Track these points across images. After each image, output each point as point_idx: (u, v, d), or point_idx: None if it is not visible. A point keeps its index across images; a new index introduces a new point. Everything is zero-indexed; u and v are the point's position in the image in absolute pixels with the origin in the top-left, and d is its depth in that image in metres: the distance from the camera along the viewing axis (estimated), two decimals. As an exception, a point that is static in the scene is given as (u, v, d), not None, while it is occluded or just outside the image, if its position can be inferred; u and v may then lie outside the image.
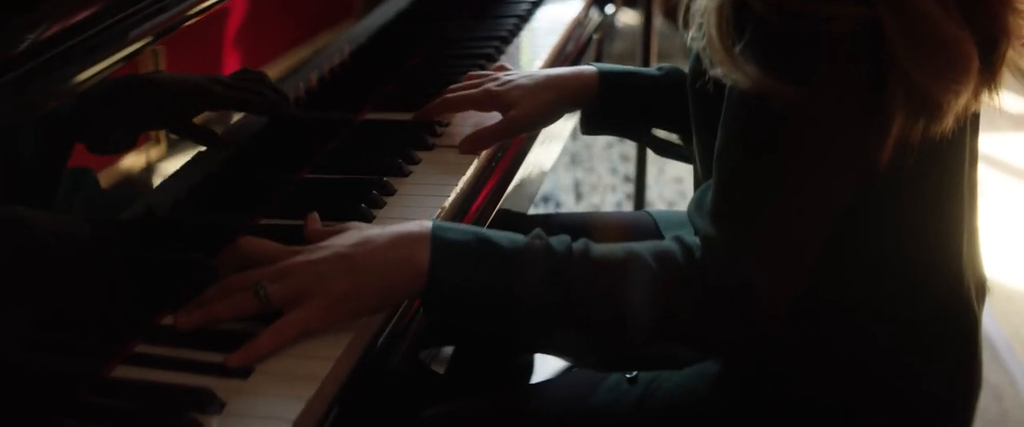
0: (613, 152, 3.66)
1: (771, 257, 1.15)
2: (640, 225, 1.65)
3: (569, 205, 3.36)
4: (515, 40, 1.98)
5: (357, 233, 1.17)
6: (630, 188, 3.44)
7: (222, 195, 1.35)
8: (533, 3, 2.12)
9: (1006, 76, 1.15)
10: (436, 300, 1.14)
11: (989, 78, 1.12)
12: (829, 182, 1.13)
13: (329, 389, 1.06)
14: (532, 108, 1.53)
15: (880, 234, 1.20)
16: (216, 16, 1.34)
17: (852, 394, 1.24)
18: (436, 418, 1.40)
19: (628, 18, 4.06)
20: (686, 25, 1.22)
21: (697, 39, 1.15)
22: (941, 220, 1.23)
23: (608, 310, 1.15)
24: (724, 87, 1.14)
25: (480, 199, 1.46)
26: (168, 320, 1.14)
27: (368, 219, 1.34)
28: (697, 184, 1.37)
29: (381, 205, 1.38)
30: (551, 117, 1.57)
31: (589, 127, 1.61)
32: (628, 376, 1.35)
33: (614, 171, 3.55)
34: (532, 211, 1.79)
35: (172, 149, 1.26)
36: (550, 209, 3.31)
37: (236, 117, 1.38)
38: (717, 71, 1.12)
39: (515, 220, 1.57)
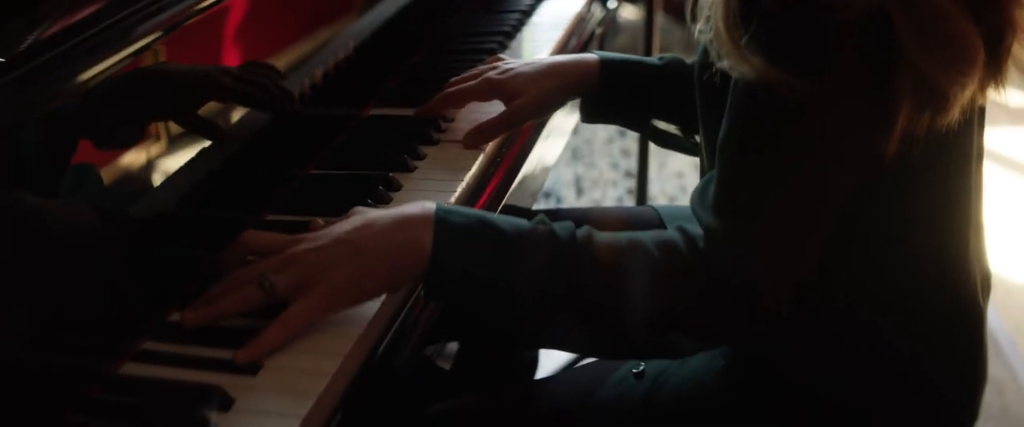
0: (614, 147, 3.66)
1: (773, 250, 1.15)
2: (644, 219, 1.65)
3: (570, 201, 3.35)
4: (518, 35, 1.98)
5: (359, 217, 1.16)
6: (631, 183, 3.44)
7: (227, 191, 1.34)
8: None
9: (1010, 71, 1.15)
10: (439, 283, 1.14)
11: (995, 71, 1.12)
12: (833, 175, 1.13)
13: (338, 385, 1.06)
14: (535, 96, 1.53)
15: (887, 229, 1.20)
16: (218, 12, 1.33)
17: (858, 388, 1.24)
18: (442, 414, 1.40)
19: (629, 13, 4.05)
20: (694, 18, 1.22)
21: (704, 31, 1.15)
22: (948, 214, 1.23)
23: (610, 297, 1.15)
24: (729, 80, 1.14)
25: (486, 195, 1.45)
26: (175, 317, 1.14)
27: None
28: (702, 176, 1.37)
29: (387, 201, 1.37)
30: (554, 105, 1.57)
31: (589, 115, 1.61)
32: (635, 370, 1.35)
33: (615, 166, 3.55)
34: (534, 207, 1.78)
35: (176, 145, 1.26)
36: (551, 205, 3.30)
37: (240, 112, 1.38)
38: (724, 63, 1.12)
39: (519, 215, 1.56)
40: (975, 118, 1.20)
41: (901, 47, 1.05)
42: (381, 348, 1.15)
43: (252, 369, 1.06)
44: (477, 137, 1.51)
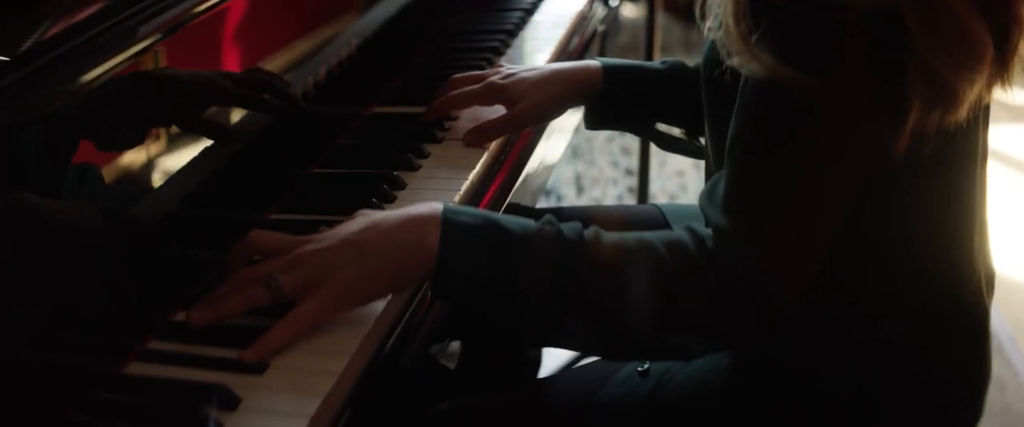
0: (614, 146, 3.66)
1: (784, 249, 1.15)
2: (648, 218, 1.65)
3: (570, 199, 3.35)
4: (520, 34, 1.97)
5: (366, 218, 1.16)
6: (631, 181, 3.44)
7: (231, 190, 1.34)
8: (537, -2, 2.12)
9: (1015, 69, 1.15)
10: (446, 283, 1.14)
11: (1001, 69, 1.12)
12: (843, 173, 1.13)
13: (345, 384, 1.06)
14: (537, 101, 1.52)
15: (893, 226, 1.20)
16: (219, 12, 1.33)
17: (863, 386, 1.24)
18: (448, 413, 1.39)
19: (629, 12, 4.06)
20: (703, 16, 1.21)
21: (713, 29, 1.15)
22: (954, 212, 1.23)
23: (618, 297, 1.15)
24: (739, 77, 1.14)
25: (490, 193, 1.45)
26: (181, 316, 1.14)
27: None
28: (709, 175, 1.37)
29: (392, 200, 1.37)
30: (555, 111, 1.57)
31: (593, 122, 1.61)
32: (639, 369, 1.35)
33: (615, 164, 3.55)
34: (535, 206, 1.78)
35: (179, 144, 1.26)
36: (552, 203, 3.30)
37: (244, 111, 1.38)
38: (733, 61, 1.12)
39: (524, 214, 1.56)
40: (981, 117, 1.20)
41: (911, 44, 1.05)
42: (387, 347, 1.15)
43: (259, 368, 1.06)
44: (478, 136, 1.51)
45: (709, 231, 1.16)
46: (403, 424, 1.25)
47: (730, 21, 1.10)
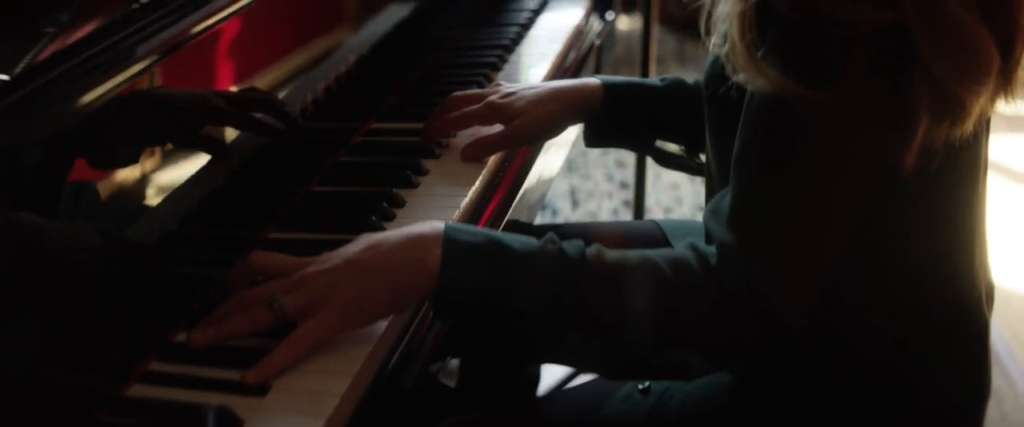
0: (609, 159, 3.66)
1: (791, 264, 1.15)
2: (647, 234, 1.64)
3: (566, 213, 3.35)
4: (517, 49, 1.97)
5: (367, 239, 1.16)
6: (626, 194, 3.44)
7: (230, 208, 1.34)
8: (534, 11, 2.11)
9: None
10: (448, 302, 1.14)
11: (1006, 80, 1.12)
12: (850, 188, 1.13)
13: (348, 405, 1.06)
14: (535, 118, 1.52)
15: (895, 237, 1.20)
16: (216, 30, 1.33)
17: (864, 399, 1.24)
18: (449, 431, 1.39)
19: (624, 24, 4.06)
20: (708, 31, 1.21)
21: (718, 45, 1.15)
22: (955, 224, 1.24)
23: (621, 315, 1.15)
24: (743, 94, 1.14)
25: (490, 210, 1.45)
26: (182, 337, 1.13)
27: (379, 231, 1.33)
28: (709, 191, 1.37)
29: (391, 217, 1.37)
30: (554, 129, 1.56)
31: (593, 139, 1.60)
32: (640, 386, 1.35)
33: (610, 177, 3.55)
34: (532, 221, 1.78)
35: (177, 162, 1.25)
36: (547, 217, 3.30)
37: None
38: (739, 77, 1.12)
39: (524, 231, 1.56)
40: (983, 129, 1.20)
41: (918, 56, 1.05)
42: (390, 367, 1.14)
43: (261, 390, 1.05)
44: (475, 151, 1.51)
45: (712, 248, 1.16)
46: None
47: (736, 36, 1.10)
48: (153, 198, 1.21)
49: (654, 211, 3.32)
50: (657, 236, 1.62)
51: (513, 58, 1.93)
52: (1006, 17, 1.10)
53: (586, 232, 1.61)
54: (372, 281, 1.11)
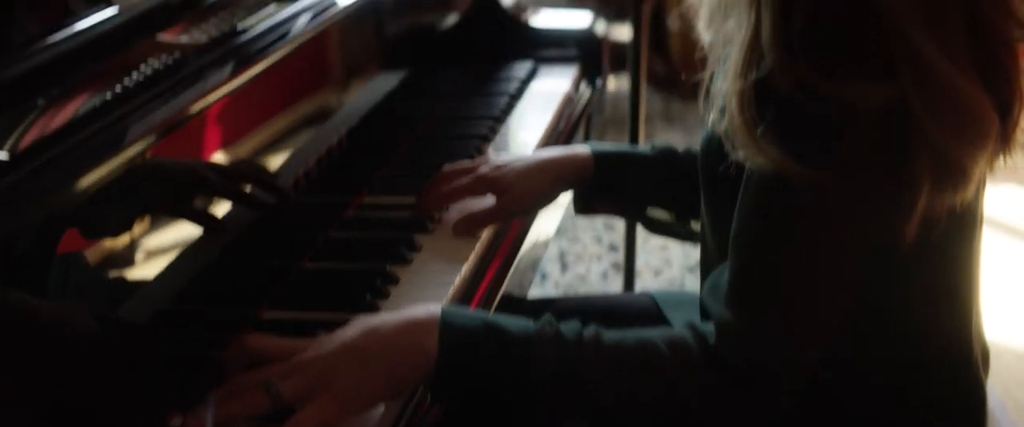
0: (598, 221, 3.66)
1: (792, 340, 1.15)
2: (642, 308, 1.64)
3: (555, 276, 3.34)
4: (507, 119, 1.97)
5: (364, 323, 1.16)
6: (615, 257, 3.43)
7: (223, 285, 1.33)
8: (524, 80, 2.11)
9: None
10: (445, 387, 1.14)
11: (1004, 141, 1.13)
12: (851, 264, 1.14)
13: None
14: (526, 190, 1.52)
15: (893, 301, 1.21)
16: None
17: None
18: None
19: (611, 83, 4.06)
20: (707, 108, 1.22)
21: (718, 121, 1.15)
22: (953, 284, 1.25)
23: (620, 399, 1.14)
24: (741, 169, 1.14)
25: (484, 285, 1.44)
26: (177, 422, 1.12)
27: (374, 310, 1.32)
28: (704, 262, 1.37)
29: (386, 295, 1.36)
30: (546, 199, 1.57)
31: (584, 207, 1.61)
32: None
33: (599, 240, 3.55)
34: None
35: (169, 235, 1.25)
36: (537, 281, 3.29)
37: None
38: (739, 154, 1.12)
39: (518, 306, 1.56)
40: (981, 186, 1.21)
41: (919, 127, 1.06)
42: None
43: (259, 475, 1.04)
44: (468, 225, 1.51)
45: (710, 327, 1.16)
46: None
47: (736, 114, 1.11)
48: (145, 273, 1.20)
49: (644, 273, 3.32)
50: (651, 309, 1.62)
51: (504, 129, 1.93)
52: (1004, 82, 1.11)
53: (581, 307, 1.61)
54: (370, 367, 1.11)
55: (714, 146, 1.22)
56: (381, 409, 1.14)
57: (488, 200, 1.54)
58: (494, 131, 1.89)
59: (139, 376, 1.15)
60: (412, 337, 1.13)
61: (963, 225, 1.21)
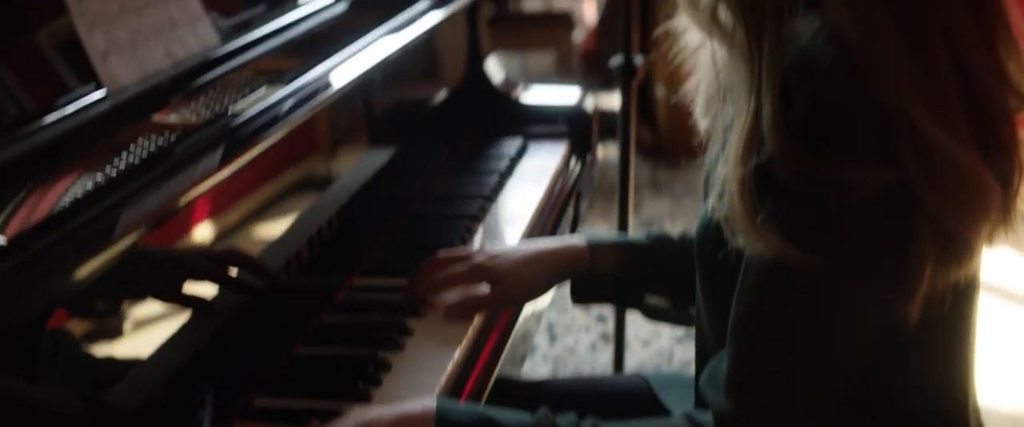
0: (585, 290, 3.65)
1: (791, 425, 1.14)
2: (634, 390, 1.62)
3: (543, 347, 3.33)
4: (498, 197, 1.96)
5: (358, 416, 1.15)
6: (603, 327, 3.42)
7: (215, 371, 1.32)
8: (513, 157, 2.11)
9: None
10: None
11: (1006, 214, 1.13)
12: (853, 349, 1.14)
13: None
14: (520, 282, 1.52)
15: (893, 376, 1.21)
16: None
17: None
18: None
19: (598, 152, 4.06)
20: (706, 193, 1.22)
21: (718, 207, 1.15)
22: (951, 351, 1.24)
23: None
24: (739, 254, 1.14)
25: (478, 367, 1.43)
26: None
27: (367, 399, 1.31)
28: (700, 347, 1.36)
29: (379, 382, 1.35)
30: (540, 291, 1.56)
31: (581, 297, 1.60)
32: None
33: (587, 311, 3.54)
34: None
35: (159, 319, 1.24)
36: (526, 353, 3.27)
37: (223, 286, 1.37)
38: (738, 240, 1.11)
39: (511, 388, 1.55)
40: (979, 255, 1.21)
41: (921, 206, 1.06)
42: None
43: None
44: (460, 310, 1.50)
45: (708, 416, 1.15)
46: None
47: (735, 200, 1.10)
48: (135, 353, 1.19)
49: (633, 344, 3.30)
50: (644, 391, 1.60)
51: (494, 208, 1.92)
52: (1003, 153, 1.11)
53: (573, 392, 1.60)
54: None
55: (711, 232, 1.21)
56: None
57: (482, 287, 1.53)
58: (484, 210, 1.89)
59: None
60: None
61: (962, 293, 1.21)
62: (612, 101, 3.87)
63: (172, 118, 1.43)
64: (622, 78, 2.62)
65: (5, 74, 1.27)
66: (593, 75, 5.21)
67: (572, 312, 3.53)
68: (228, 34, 1.62)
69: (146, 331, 1.22)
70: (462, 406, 1.17)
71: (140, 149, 1.32)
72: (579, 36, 5.33)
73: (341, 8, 1.90)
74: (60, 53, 1.36)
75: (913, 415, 1.23)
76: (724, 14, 1.14)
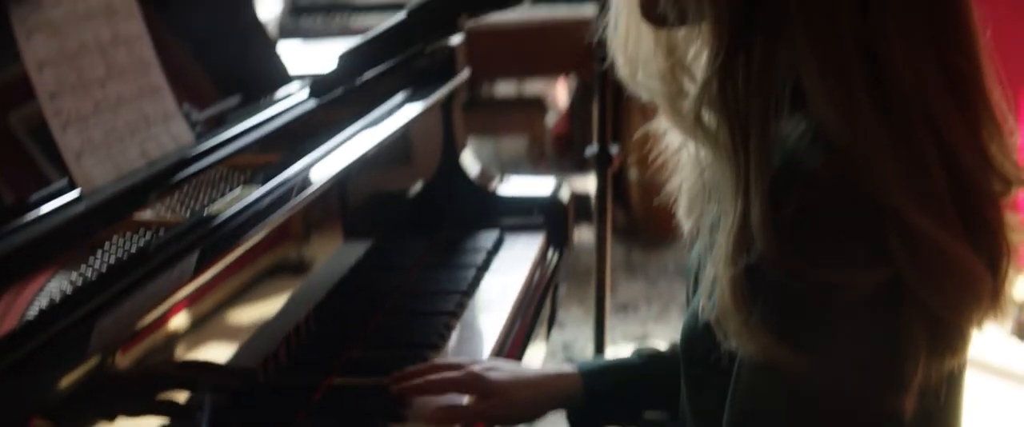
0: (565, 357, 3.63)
1: None
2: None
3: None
4: (475, 293, 1.94)
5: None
6: None
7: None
8: (490, 250, 2.10)
9: None
10: None
11: (996, 298, 1.13)
12: None
13: None
14: (511, 402, 1.51)
15: None
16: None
17: None
18: None
19: (574, 235, 4.04)
20: (691, 293, 1.21)
21: (708, 308, 1.13)
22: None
23: None
24: (731, 356, 1.12)
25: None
26: None
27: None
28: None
29: (359, 490, 1.32)
30: (527, 417, 1.55)
31: (580, 425, 1.58)
32: None
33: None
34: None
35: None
36: None
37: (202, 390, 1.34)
38: (730, 343, 1.10)
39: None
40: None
41: (913, 300, 1.05)
42: None
43: None
44: (447, 415, 1.48)
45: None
46: None
47: (728, 302, 1.09)
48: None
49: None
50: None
51: (471, 304, 1.90)
52: (990, 237, 1.11)
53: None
54: None
55: (700, 333, 1.20)
56: None
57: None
58: (462, 306, 1.86)
59: None
60: None
61: (953, 379, 1.20)
62: (586, 184, 3.87)
63: (147, 214, 1.41)
64: (598, 167, 2.62)
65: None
66: (565, 158, 5.22)
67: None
68: (204, 128, 1.60)
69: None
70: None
71: (115, 247, 1.30)
72: (552, 119, 5.34)
73: (316, 102, 1.88)
74: (37, 146, 1.34)
75: None
76: (708, 116, 1.13)
